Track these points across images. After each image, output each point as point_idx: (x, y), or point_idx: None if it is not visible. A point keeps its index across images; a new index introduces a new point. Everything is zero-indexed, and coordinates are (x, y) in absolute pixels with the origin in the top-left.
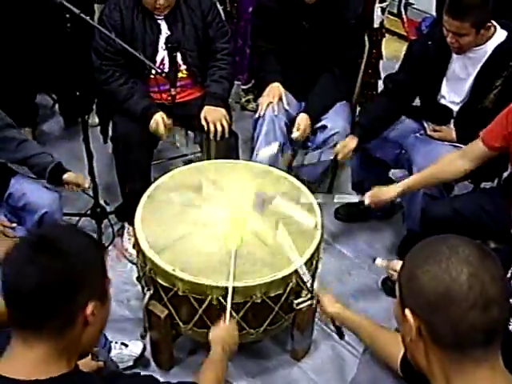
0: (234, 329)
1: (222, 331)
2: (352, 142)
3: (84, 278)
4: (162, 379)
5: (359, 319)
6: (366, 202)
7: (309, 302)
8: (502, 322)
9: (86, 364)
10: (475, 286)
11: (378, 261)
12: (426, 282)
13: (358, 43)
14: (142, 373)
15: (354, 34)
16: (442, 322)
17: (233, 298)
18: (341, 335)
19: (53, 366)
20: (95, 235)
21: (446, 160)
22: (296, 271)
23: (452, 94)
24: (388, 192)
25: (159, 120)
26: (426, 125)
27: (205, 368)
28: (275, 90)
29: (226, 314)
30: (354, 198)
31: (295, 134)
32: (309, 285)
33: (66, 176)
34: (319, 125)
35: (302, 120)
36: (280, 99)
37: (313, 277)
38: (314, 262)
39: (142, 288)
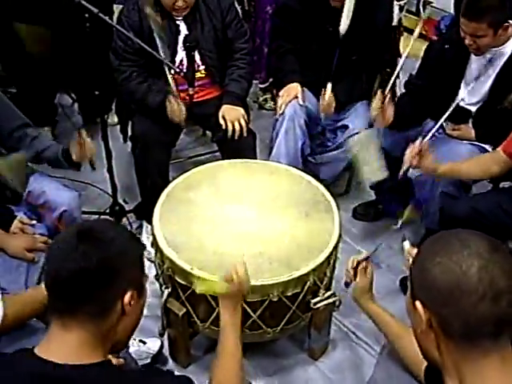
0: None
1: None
2: (390, 110)
3: (122, 267)
4: None
5: (384, 315)
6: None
7: (330, 300)
8: (511, 314)
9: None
10: (485, 278)
11: (406, 243)
12: (437, 274)
13: (389, 47)
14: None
15: (385, 38)
16: (453, 314)
17: (248, 297)
18: (347, 284)
19: (88, 352)
20: None
21: (482, 158)
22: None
23: (471, 96)
24: (432, 165)
25: (173, 101)
26: (444, 124)
27: (225, 331)
28: (292, 89)
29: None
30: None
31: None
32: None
33: (74, 156)
34: (340, 124)
35: (328, 94)
36: (296, 97)
37: (330, 278)
38: (332, 262)
39: (160, 286)
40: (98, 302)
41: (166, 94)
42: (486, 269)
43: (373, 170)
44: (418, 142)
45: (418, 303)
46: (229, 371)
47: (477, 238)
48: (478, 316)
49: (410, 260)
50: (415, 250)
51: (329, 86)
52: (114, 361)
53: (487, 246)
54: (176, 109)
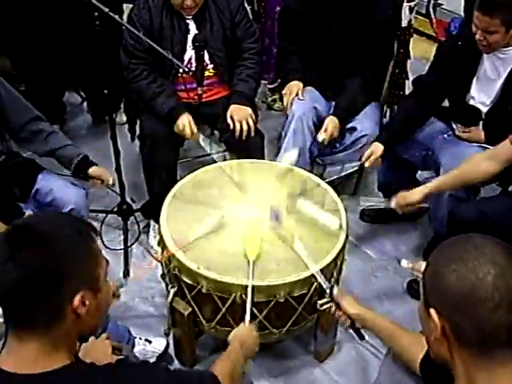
0: (254, 331)
1: (242, 334)
2: (378, 150)
3: (67, 268)
4: None
5: (380, 321)
6: (393, 206)
7: (330, 305)
8: None
9: (106, 358)
10: (501, 286)
11: (404, 262)
12: (452, 281)
13: (386, 47)
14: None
15: (383, 38)
16: (467, 322)
17: (254, 298)
18: (361, 337)
19: (47, 360)
20: (121, 232)
21: (473, 161)
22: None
23: (482, 95)
24: (414, 194)
25: (186, 123)
26: (454, 126)
27: (220, 360)
28: (293, 86)
29: (247, 317)
30: (380, 204)
31: (321, 137)
32: (328, 291)
33: (91, 170)
34: (348, 126)
35: (331, 123)
36: (296, 95)
37: (337, 279)
38: (339, 263)
39: (166, 285)
40: (47, 311)
41: (177, 104)
42: (503, 276)
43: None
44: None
45: (432, 311)
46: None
47: (492, 244)
48: (493, 324)
49: (419, 275)
50: (420, 262)
51: (330, 118)
52: (115, 358)
53: (503, 252)
54: (189, 132)
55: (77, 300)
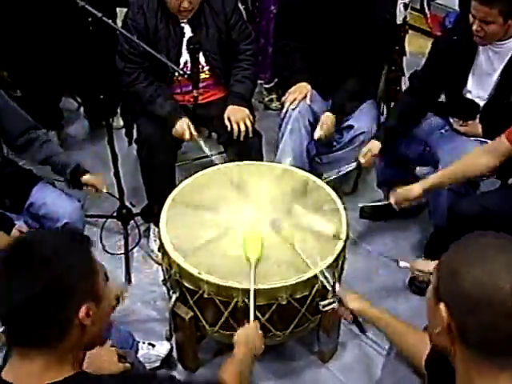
0: (258, 328)
1: (247, 333)
2: (375, 148)
3: (69, 285)
4: None
5: (385, 317)
6: (392, 202)
7: (333, 306)
8: None
9: (113, 366)
10: None
11: (402, 264)
12: (469, 283)
13: (384, 46)
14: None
15: (381, 37)
16: (476, 326)
17: (256, 301)
18: (362, 330)
19: (56, 372)
20: (121, 237)
21: (471, 156)
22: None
23: (478, 89)
24: (412, 190)
25: (185, 127)
26: (451, 120)
27: (228, 363)
28: (302, 88)
29: (250, 317)
30: (379, 202)
31: (318, 133)
32: (330, 289)
33: (85, 178)
34: (345, 124)
35: (327, 119)
36: (305, 97)
37: (339, 278)
38: (340, 263)
39: (168, 290)
40: (51, 330)
41: (176, 110)
42: None
43: None
44: None
45: (442, 305)
46: None
47: None
48: (502, 332)
49: (420, 274)
50: (418, 261)
51: (326, 114)
52: (121, 366)
53: None
54: (188, 136)
55: (82, 313)
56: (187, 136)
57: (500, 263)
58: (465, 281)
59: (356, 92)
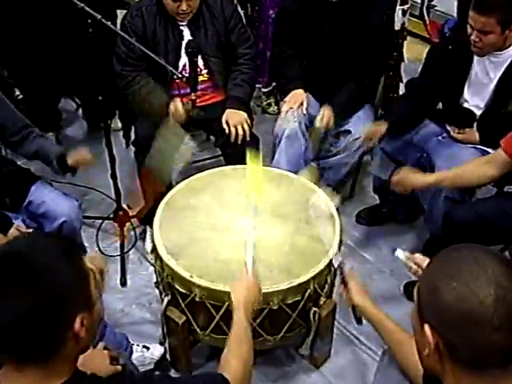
0: (256, 283)
1: (244, 289)
2: (383, 127)
3: (62, 298)
4: None
5: (386, 321)
6: (393, 179)
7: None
8: None
9: (104, 368)
10: (501, 309)
11: (399, 252)
12: (451, 300)
13: (381, 51)
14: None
15: (378, 42)
16: (463, 342)
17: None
18: (358, 321)
19: (52, 380)
20: (117, 238)
21: (474, 163)
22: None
23: (475, 99)
24: (418, 179)
25: (177, 104)
26: (448, 128)
27: (230, 349)
28: (298, 96)
29: (248, 264)
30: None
31: (318, 123)
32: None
33: (70, 161)
34: (343, 129)
35: (326, 111)
36: (301, 105)
37: (332, 283)
38: (333, 269)
39: (160, 293)
40: (46, 344)
41: (171, 97)
42: (504, 300)
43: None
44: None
45: (426, 327)
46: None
47: (494, 262)
48: (490, 346)
49: (413, 266)
50: (416, 255)
51: (326, 107)
52: (112, 368)
53: (505, 272)
54: (180, 110)
55: (77, 323)
56: (179, 110)
57: (483, 280)
58: (447, 298)
59: (353, 97)
